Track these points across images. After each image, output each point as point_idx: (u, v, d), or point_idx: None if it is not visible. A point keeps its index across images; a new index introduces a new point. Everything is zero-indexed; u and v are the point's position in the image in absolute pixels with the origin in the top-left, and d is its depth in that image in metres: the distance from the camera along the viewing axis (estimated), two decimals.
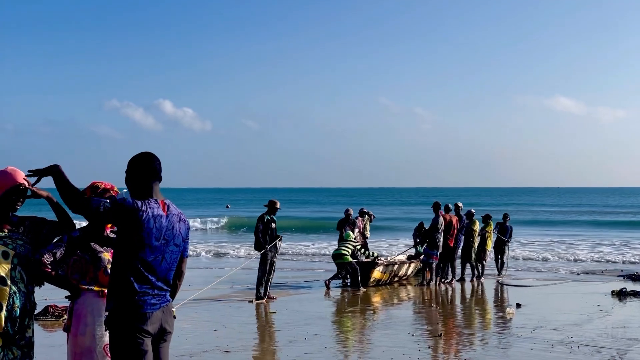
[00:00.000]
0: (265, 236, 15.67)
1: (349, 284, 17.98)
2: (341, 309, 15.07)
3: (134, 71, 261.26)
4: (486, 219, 21.16)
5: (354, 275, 17.75)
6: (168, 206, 4.68)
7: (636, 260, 25.65)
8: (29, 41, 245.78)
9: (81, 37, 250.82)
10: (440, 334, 11.60)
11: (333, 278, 17.96)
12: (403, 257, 20.61)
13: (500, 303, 16.32)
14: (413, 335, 11.45)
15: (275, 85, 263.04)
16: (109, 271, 5.30)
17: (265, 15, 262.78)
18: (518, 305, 14.68)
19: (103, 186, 5.43)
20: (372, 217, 21.33)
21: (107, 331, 4.59)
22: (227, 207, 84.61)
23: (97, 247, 5.34)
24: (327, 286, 17.69)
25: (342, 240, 18.49)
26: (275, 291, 16.22)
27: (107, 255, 5.32)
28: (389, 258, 20.47)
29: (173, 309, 4.77)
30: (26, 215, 5.48)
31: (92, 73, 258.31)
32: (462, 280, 20.03)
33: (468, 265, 20.42)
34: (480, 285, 19.44)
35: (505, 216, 22.54)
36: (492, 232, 21.23)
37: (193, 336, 10.96)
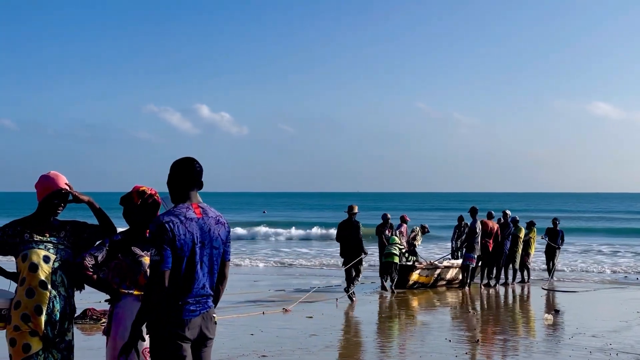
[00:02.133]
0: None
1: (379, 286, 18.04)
2: (378, 314, 15.06)
3: (172, 76, 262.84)
4: (530, 226, 21.43)
5: (391, 275, 18.03)
6: (203, 209, 4.68)
7: None
8: (68, 46, 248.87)
9: (119, 42, 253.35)
10: (478, 340, 11.54)
11: (388, 281, 18.26)
12: (456, 262, 20.43)
13: (539, 309, 16.15)
14: (450, 341, 11.40)
15: (312, 90, 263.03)
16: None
17: (301, 21, 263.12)
18: (556, 312, 14.57)
19: (149, 192, 5.48)
20: (427, 230, 21.32)
21: (147, 335, 4.64)
22: (264, 212, 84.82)
23: (138, 251, 5.38)
24: (385, 287, 18.00)
25: (387, 244, 18.59)
26: (312, 295, 16.24)
27: (147, 260, 5.35)
28: (438, 262, 20.49)
29: (214, 315, 4.78)
30: (67, 220, 5.56)
31: (130, 77, 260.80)
32: (506, 284, 20.16)
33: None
34: (522, 291, 19.35)
35: (555, 221, 22.40)
36: (535, 238, 21.43)
37: (229, 340, 11.00)
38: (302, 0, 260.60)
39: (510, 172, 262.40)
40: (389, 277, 18.23)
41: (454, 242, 21.78)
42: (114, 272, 5.37)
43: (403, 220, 20.62)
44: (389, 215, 19.84)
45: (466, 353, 10.51)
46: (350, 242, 16.52)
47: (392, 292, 17.75)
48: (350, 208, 16.90)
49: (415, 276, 18.80)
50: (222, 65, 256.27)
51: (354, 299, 16.20)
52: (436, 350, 10.63)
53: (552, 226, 22.14)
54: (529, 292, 19.08)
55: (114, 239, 5.42)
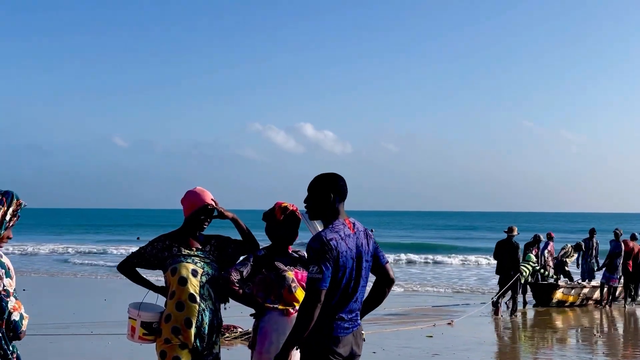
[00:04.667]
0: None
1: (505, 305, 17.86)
2: (501, 335, 14.75)
3: (276, 95, 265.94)
4: None
5: (512, 297, 17.70)
6: (354, 224, 4.67)
7: None
8: (178, 67, 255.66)
9: (225, 61, 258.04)
10: None
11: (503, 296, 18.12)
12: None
13: None
14: None
15: (415, 109, 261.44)
16: (294, 289, 5.39)
17: (403, 38, 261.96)
18: None
19: (291, 208, 5.53)
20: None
21: (297, 350, 4.62)
22: (372, 230, 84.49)
23: (282, 265, 5.42)
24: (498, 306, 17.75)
25: (524, 261, 18.86)
26: (427, 315, 16.06)
27: (290, 274, 5.40)
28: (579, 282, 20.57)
29: (363, 332, 4.76)
30: (212, 234, 5.64)
31: (237, 96, 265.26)
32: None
33: None
34: None
35: None
36: None
37: None
38: (406, 16, 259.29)
39: (624, 191, 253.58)
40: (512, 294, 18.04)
41: (581, 260, 21.38)
42: (258, 287, 5.42)
43: (550, 237, 20.94)
44: (540, 237, 20.12)
45: None
46: (506, 262, 17.39)
47: (507, 307, 17.75)
48: (510, 229, 17.76)
49: (559, 295, 19.15)
50: (326, 84, 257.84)
51: (501, 308, 17.22)
52: None
53: None
54: None
55: (257, 254, 5.48)
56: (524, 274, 18.26)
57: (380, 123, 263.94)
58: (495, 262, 18.11)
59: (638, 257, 19.89)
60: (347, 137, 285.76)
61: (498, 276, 17.83)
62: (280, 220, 5.51)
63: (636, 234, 20.62)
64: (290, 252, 5.60)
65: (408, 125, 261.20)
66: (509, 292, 17.68)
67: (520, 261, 18.34)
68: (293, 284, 5.38)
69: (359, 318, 4.66)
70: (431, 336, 13.60)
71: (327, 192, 4.61)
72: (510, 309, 17.25)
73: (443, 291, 23.51)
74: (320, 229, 5.14)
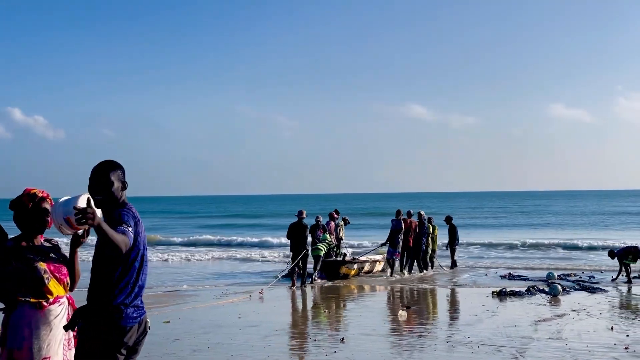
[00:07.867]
0: None
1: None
2: (240, 314, 14.90)
3: None
4: (429, 222, 23.70)
5: (316, 267, 20.88)
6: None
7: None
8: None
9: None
10: (343, 339, 11.61)
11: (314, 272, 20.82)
12: (379, 257, 24.05)
13: (395, 304, 16.53)
14: (316, 340, 11.45)
15: (134, 92, 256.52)
16: (47, 281, 5.09)
17: (110, 30, 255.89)
18: (407, 307, 14.95)
19: (41, 194, 5.23)
20: (348, 221, 24.10)
21: (78, 339, 4.41)
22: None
23: (33, 256, 5.11)
24: (312, 280, 20.54)
25: (318, 241, 21.23)
26: (161, 295, 15.82)
27: (43, 265, 5.13)
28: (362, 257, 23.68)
29: (148, 320, 4.64)
30: None
31: None
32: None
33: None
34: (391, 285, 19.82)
35: (449, 219, 24.94)
36: (437, 234, 24.04)
37: None
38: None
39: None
40: (314, 269, 20.84)
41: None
42: (8, 280, 5.08)
43: (332, 217, 23.00)
44: (320, 218, 22.03)
45: (334, 352, 10.60)
46: (298, 240, 20.03)
47: (313, 280, 20.47)
48: (300, 213, 20.36)
49: (344, 269, 21.64)
50: (33, 66, 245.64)
51: (296, 280, 19.76)
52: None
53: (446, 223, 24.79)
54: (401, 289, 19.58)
55: (6, 244, 5.15)
56: (321, 248, 20.91)
57: (95, 108, 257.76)
58: (289, 241, 20.41)
59: (415, 231, 22.64)
60: (60, 122, 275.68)
61: (291, 253, 20.25)
62: (29, 208, 5.21)
63: (411, 211, 23.41)
64: (42, 241, 5.31)
65: (125, 110, 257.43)
66: (301, 265, 20.03)
67: (318, 240, 20.99)
68: (46, 275, 5.14)
69: (144, 305, 4.56)
70: (168, 322, 13.45)
71: (119, 179, 4.56)
72: (308, 280, 19.99)
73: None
74: (62, 221, 4.87)
